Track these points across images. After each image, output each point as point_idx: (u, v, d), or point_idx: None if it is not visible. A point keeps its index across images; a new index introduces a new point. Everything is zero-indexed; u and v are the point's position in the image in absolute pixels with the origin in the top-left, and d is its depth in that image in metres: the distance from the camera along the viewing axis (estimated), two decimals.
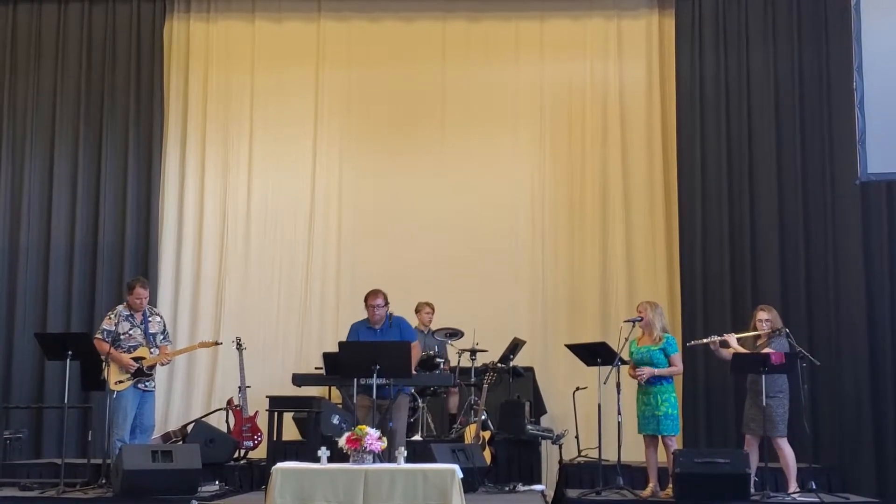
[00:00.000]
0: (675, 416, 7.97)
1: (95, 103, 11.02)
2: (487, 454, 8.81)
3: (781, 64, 10.56)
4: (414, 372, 8.05)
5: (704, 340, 8.27)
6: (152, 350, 8.48)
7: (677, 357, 8.01)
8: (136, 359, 8.33)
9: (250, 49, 11.34)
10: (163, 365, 8.74)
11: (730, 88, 10.63)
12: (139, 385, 8.37)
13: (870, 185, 9.73)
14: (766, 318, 8.13)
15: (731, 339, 8.12)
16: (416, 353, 8.35)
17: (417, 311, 10.03)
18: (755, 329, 8.16)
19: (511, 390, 9.69)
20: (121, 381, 8.28)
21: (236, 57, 11.34)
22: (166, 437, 9.51)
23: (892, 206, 10.02)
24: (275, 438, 8.74)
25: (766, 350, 7.94)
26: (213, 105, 11.27)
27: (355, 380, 7.58)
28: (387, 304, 8.26)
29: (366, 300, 8.26)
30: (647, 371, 7.91)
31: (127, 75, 11.04)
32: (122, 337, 8.37)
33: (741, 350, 8.05)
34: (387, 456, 7.09)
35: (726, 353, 8.12)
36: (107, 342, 8.26)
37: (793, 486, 7.96)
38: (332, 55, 11.33)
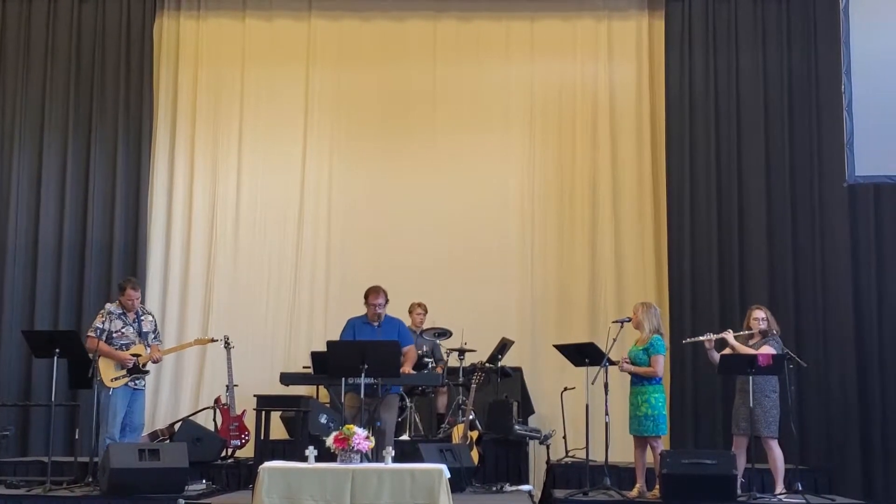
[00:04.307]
0: (656, 416, 7.92)
1: (84, 100, 10.99)
2: (475, 454, 8.81)
3: (770, 66, 10.60)
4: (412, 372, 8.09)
5: (701, 338, 8.24)
6: (146, 349, 8.48)
7: (657, 359, 7.93)
8: (132, 355, 8.34)
9: (240, 47, 11.32)
10: (155, 362, 8.74)
11: (719, 90, 10.67)
12: (130, 383, 8.36)
13: (857, 187, 9.79)
14: (762, 316, 8.15)
15: (729, 336, 8.12)
16: (413, 356, 8.35)
17: (410, 311, 10.02)
18: (749, 328, 8.19)
19: (499, 390, 9.70)
20: (116, 378, 8.28)
21: (226, 55, 11.32)
22: (153, 435, 9.50)
23: (880, 208, 10.09)
24: (262, 437, 8.71)
25: (764, 348, 7.96)
26: (202, 103, 11.24)
27: (343, 379, 7.59)
28: (387, 302, 8.29)
29: (366, 297, 8.27)
30: (627, 360, 7.94)
31: (116, 73, 11.02)
32: (114, 335, 8.37)
33: (738, 347, 8.06)
34: (374, 455, 7.10)
35: (717, 356, 8.13)
36: (98, 340, 8.24)
37: (780, 487, 7.99)
38: (322, 54, 11.33)
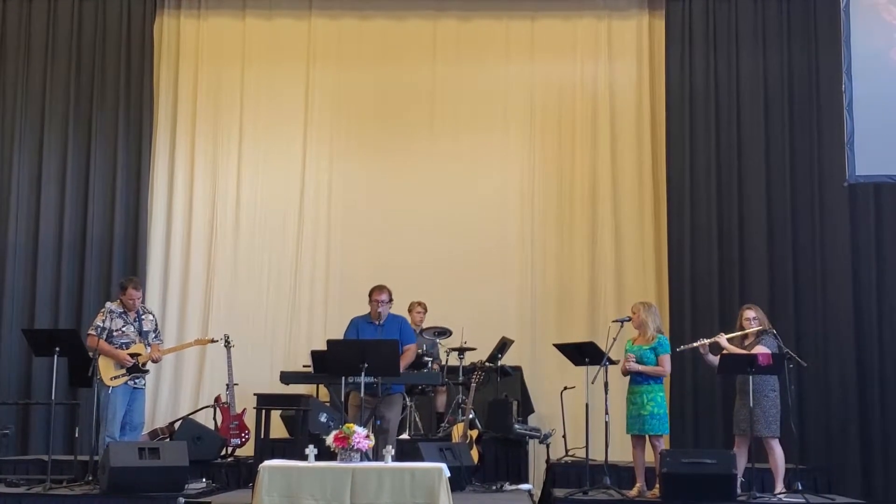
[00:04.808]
0: (661, 415, 7.94)
1: (85, 99, 10.98)
2: (475, 453, 8.81)
3: (771, 66, 10.59)
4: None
5: (695, 344, 8.21)
6: (146, 348, 8.49)
7: (665, 358, 7.98)
8: (131, 355, 8.35)
9: (241, 46, 11.31)
10: (155, 362, 8.75)
11: (719, 89, 10.66)
12: (130, 382, 8.38)
13: (858, 187, 9.80)
14: (753, 316, 8.15)
15: (722, 339, 8.12)
16: (412, 355, 8.36)
17: (409, 310, 10.01)
18: (742, 328, 8.18)
19: (499, 389, 9.69)
20: (116, 377, 8.29)
21: (226, 54, 11.31)
22: (154, 434, 9.50)
23: (880, 208, 10.10)
24: (262, 436, 8.72)
25: (757, 348, 7.96)
26: (202, 102, 11.23)
27: (343, 378, 7.59)
28: (391, 301, 8.31)
29: (370, 294, 8.31)
30: (633, 358, 7.92)
31: (117, 71, 11.01)
32: (114, 333, 8.39)
33: (733, 350, 8.06)
34: (375, 454, 7.10)
35: (714, 359, 8.12)
36: (98, 338, 8.25)
37: (779, 486, 7.98)
38: (322, 53, 11.32)
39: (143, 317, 8.60)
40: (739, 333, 8.18)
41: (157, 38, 11.19)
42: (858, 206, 10.11)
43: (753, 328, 8.11)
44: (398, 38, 11.32)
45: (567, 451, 9.52)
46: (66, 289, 10.67)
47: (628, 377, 8.09)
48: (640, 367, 7.93)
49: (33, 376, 10.31)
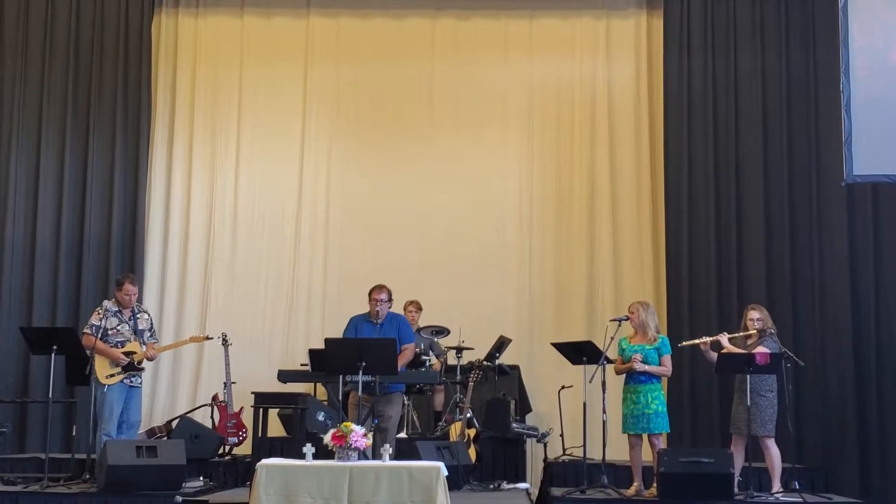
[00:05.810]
0: (663, 414, 7.96)
1: (83, 97, 10.97)
2: (472, 452, 8.81)
3: (769, 65, 10.60)
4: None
5: (696, 341, 8.24)
6: (141, 346, 8.49)
7: (669, 359, 8.01)
8: (126, 353, 8.35)
9: (239, 44, 11.29)
10: (150, 360, 8.76)
11: (717, 89, 10.66)
12: (126, 380, 8.38)
13: (855, 186, 9.80)
14: (757, 316, 8.16)
15: (724, 338, 8.13)
16: (410, 354, 8.36)
17: (404, 309, 9.99)
18: (746, 328, 8.19)
19: (496, 388, 9.70)
20: (112, 376, 8.30)
21: (225, 52, 11.30)
22: (151, 432, 9.49)
23: (878, 207, 10.10)
24: (260, 435, 8.71)
25: (758, 349, 7.97)
26: (200, 100, 11.22)
27: (341, 376, 7.59)
28: (390, 300, 8.32)
29: (370, 294, 8.33)
30: (639, 358, 7.91)
31: (115, 69, 11.00)
32: (109, 332, 8.41)
33: (733, 350, 8.07)
34: (373, 453, 7.11)
35: (714, 355, 8.13)
36: (94, 337, 8.25)
37: (776, 485, 7.99)
38: (321, 52, 11.31)
39: (138, 315, 8.61)
40: (742, 334, 8.19)
41: (155, 37, 11.18)
42: (856, 206, 10.11)
43: (756, 328, 8.12)
44: (397, 36, 11.31)
45: (564, 449, 9.53)
46: (63, 287, 10.65)
47: (622, 376, 8.10)
48: (649, 368, 7.93)
49: (31, 374, 10.31)
